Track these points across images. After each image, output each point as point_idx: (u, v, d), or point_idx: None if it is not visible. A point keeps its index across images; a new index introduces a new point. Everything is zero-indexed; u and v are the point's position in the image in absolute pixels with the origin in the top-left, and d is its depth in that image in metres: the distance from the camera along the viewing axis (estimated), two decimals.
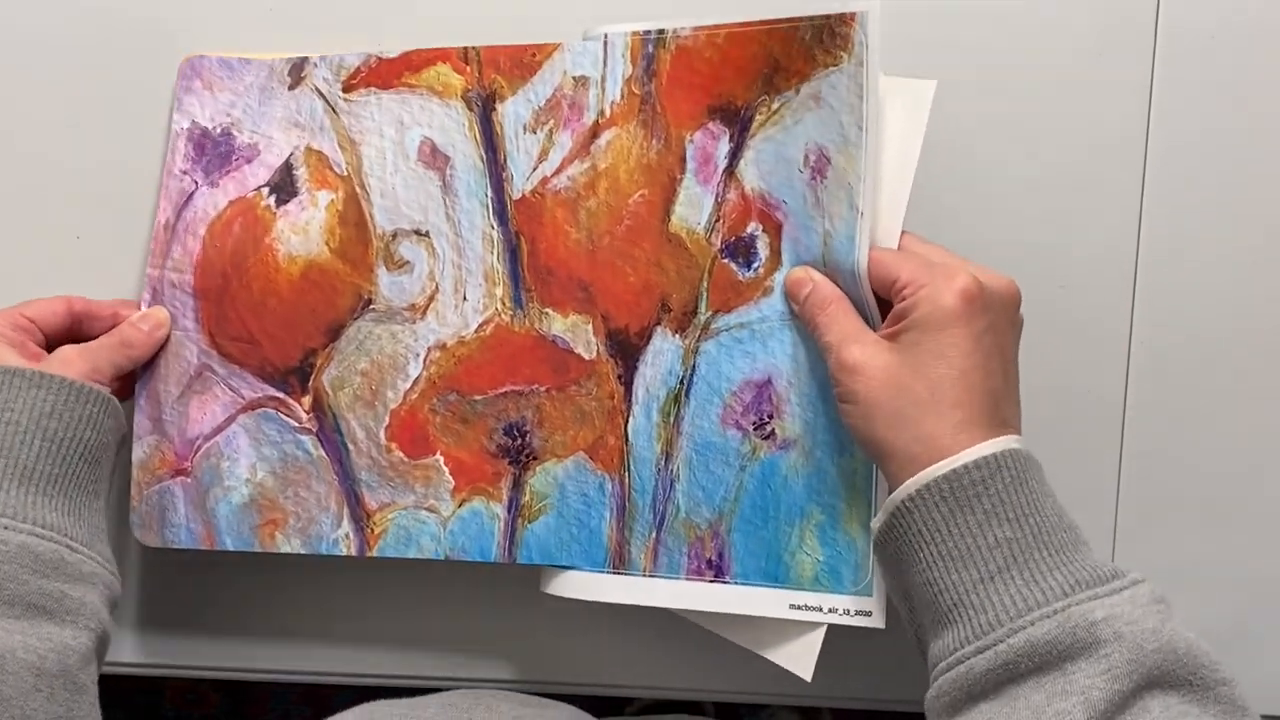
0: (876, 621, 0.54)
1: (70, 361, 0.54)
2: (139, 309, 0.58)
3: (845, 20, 0.51)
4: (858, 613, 0.54)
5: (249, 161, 0.59)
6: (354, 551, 0.58)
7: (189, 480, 0.58)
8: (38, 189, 0.62)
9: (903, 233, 0.52)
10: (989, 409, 0.48)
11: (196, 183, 0.59)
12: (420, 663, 0.63)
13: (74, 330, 0.57)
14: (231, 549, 0.58)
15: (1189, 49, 0.59)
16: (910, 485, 0.47)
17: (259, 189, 0.58)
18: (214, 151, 0.59)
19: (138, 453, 0.58)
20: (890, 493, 0.48)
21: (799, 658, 0.55)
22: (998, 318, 0.49)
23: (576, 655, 0.62)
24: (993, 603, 0.45)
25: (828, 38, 0.52)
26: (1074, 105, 0.59)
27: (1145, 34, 0.59)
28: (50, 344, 0.56)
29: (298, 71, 0.59)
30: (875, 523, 0.49)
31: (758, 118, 0.55)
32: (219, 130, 0.59)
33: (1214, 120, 0.59)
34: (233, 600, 0.63)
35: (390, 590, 0.63)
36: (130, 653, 0.63)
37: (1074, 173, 0.60)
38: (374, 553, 0.58)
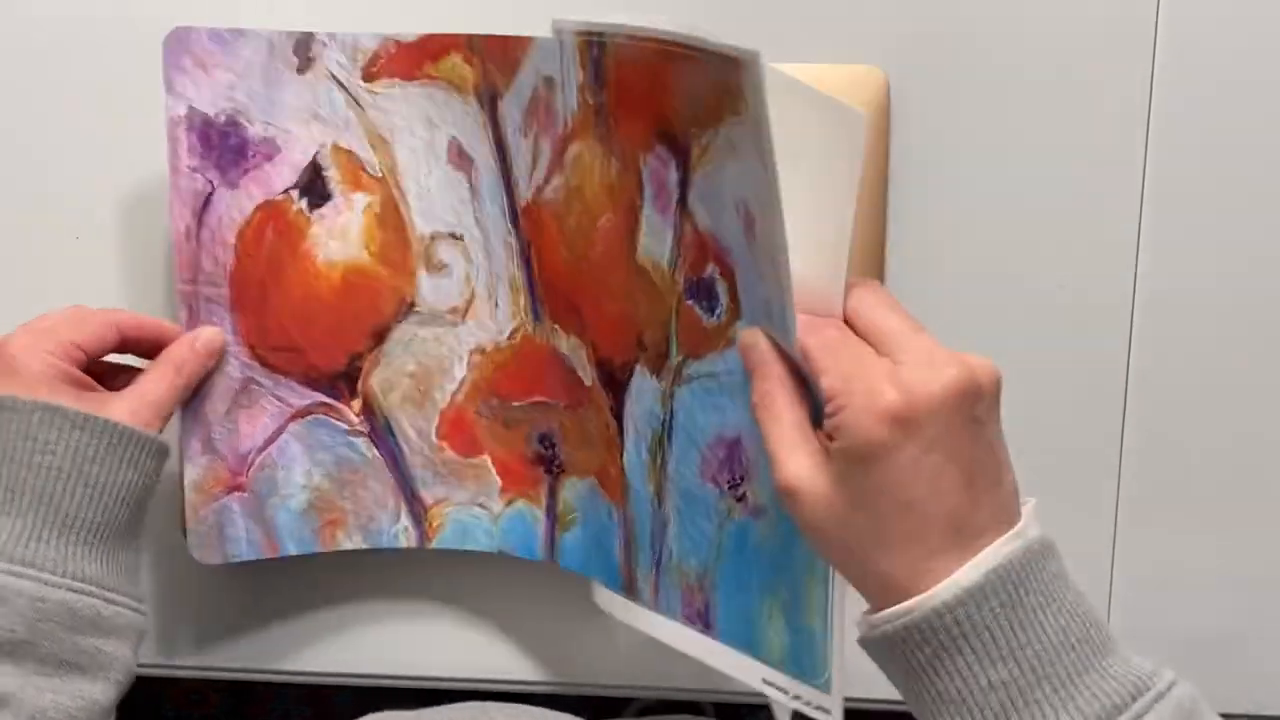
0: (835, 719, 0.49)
1: (122, 403, 0.53)
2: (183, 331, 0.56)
3: (733, 63, 0.40)
4: (818, 708, 0.50)
5: (269, 159, 0.56)
6: (414, 543, 0.59)
7: (245, 495, 0.58)
8: (38, 189, 0.59)
9: (853, 286, 0.44)
10: (950, 534, 0.41)
11: (211, 182, 0.56)
12: (419, 663, 0.64)
13: (121, 349, 0.55)
14: (295, 553, 0.59)
15: (1189, 49, 0.60)
16: (883, 624, 0.41)
17: (287, 191, 0.56)
18: (223, 144, 0.55)
19: (190, 475, 0.57)
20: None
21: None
22: (943, 428, 0.40)
23: (576, 655, 0.64)
24: None
25: (728, 77, 0.41)
26: (1074, 105, 0.60)
27: (1145, 34, 0.60)
28: (94, 365, 0.54)
29: (304, 50, 0.55)
30: (856, 638, 0.44)
31: (694, 150, 0.46)
32: (223, 118, 0.55)
33: (1214, 120, 0.60)
34: (233, 601, 0.63)
35: (390, 592, 0.63)
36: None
37: (1074, 173, 0.60)
38: (432, 545, 0.59)
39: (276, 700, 1.10)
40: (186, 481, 0.57)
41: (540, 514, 0.59)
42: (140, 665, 0.61)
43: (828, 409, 0.42)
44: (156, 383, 0.54)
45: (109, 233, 0.59)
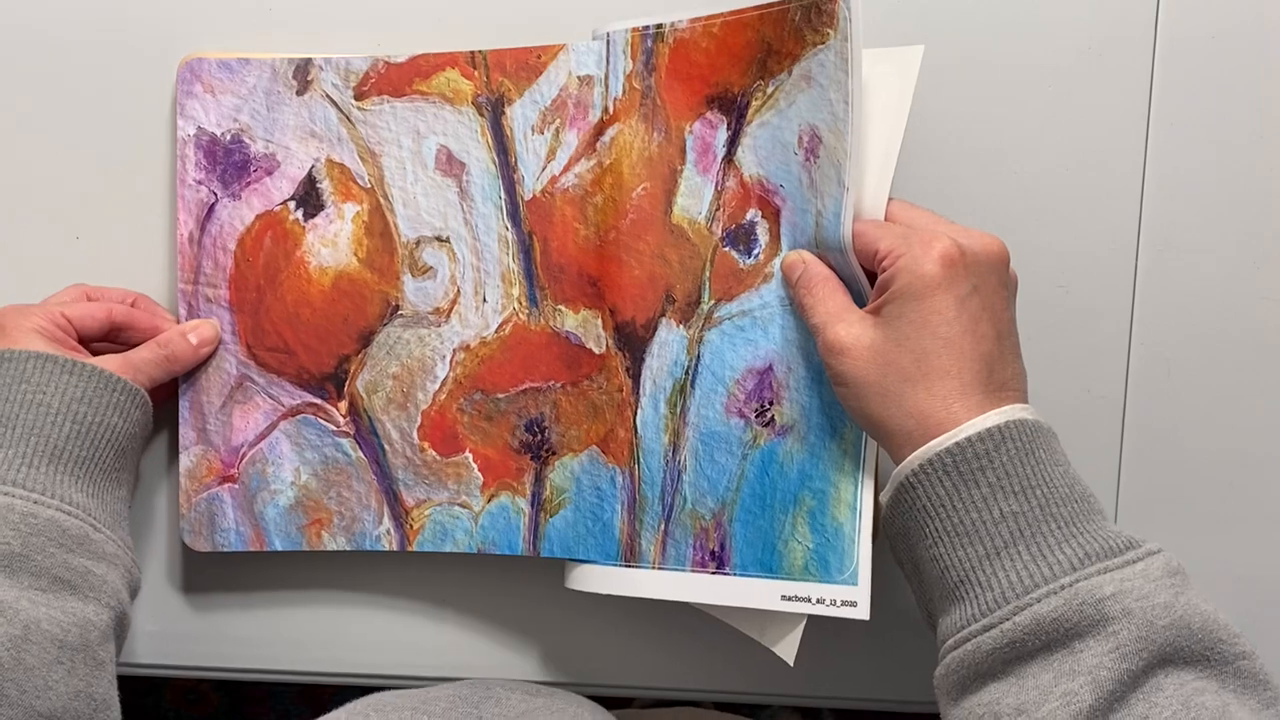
0: (861, 613, 0.53)
1: (108, 360, 0.57)
2: (177, 323, 0.60)
3: None
4: (844, 603, 0.53)
5: (269, 174, 0.61)
6: (395, 547, 0.61)
7: (236, 486, 0.61)
8: (38, 189, 0.63)
9: (891, 200, 0.52)
10: (982, 375, 0.46)
11: (215, 194, 0.61)
12: (419, 662, 0.64)
13: (110, 338, 0.60)
14: (280, 549, 0.61)
15: (1189, 49, 0.59)
16: (913, 460, 0.46)
17: (285, 203, 0.61)
18: (228, 160, 0.61)
19: (185, 462, 0.61)
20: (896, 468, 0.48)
21: (786, 644, 0.55)
22: (983, 279, 0.48)
23: (575, 655, 0.63)
24: (999, 579, 0.44)
25: (815, 16, 0.53)
26: (1074, 105, 0.59)
27: (1145, 34, 0.59)
28: (86, 348, 0.58)
29: (303, 75, 0.60)
30: (884, 496, 0.48)
31: (754, 103, 0.56)
32: (229, 137, 0.61)
33: (1214, 120, 0.59)
34: (232, 600, 0.65)
35: (388, 591, 0.64)
36: (130, 653, 0.64)
37: (1074, 173, 0.60)
38: (414, 548, 0.61)
39: (275, 700, 1.11)
40: (181, 469, 0.61)
41: (524, 504, 0.60)
42: (140, 665, 0.65)
43: (884, 263, 0.49)
44: (141, 351, 0.58)
45: (109, 233, 0.63)
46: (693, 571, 0.57)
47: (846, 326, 0.49)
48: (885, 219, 0.51)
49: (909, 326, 0.47)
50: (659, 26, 0.57)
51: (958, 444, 0.45)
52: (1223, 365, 0.60)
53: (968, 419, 0.46)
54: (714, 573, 0.57)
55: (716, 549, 0.57)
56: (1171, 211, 0.60)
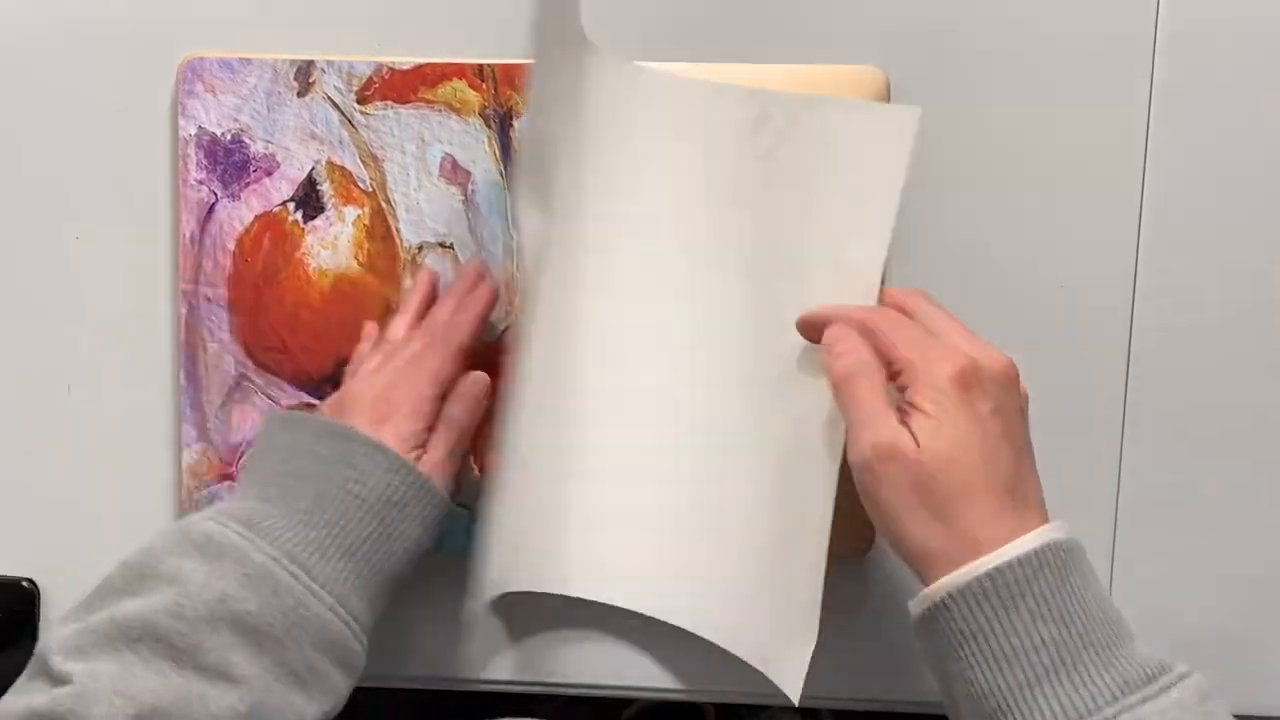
0: None
1: (428, 459, 0.55)
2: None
3: None
4: None
5: (269, 174, 0.61)
6: None
7: (235, 484, 0.61)
8: (38, 189, 0.63)
9: (899, 291, 0.52)
10: (1013, 494, 0.47)
11: (215, 194, 0.61)
12: (417, 662, 0.64)
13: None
14: None
15: (1189, 49, 0.60)
16: (951, 582, 0.45)
17: (284, 204, 0.61)
18: (228, 160, 0.61)
19: (186, 459, 0.61)
20: (924, 584, 0.47)
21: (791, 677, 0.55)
22: (1001, 399, 0.48)
23: (575, 655, 0.63)
24: (1041, 709, 0.44)
25: None
26: (1074, 105, 0.60)
27: (1145, 34, 0.60)
28: None
29: (304, 76, 0.60)
30: (912, 606, 0.48)
31: None
32: (229, 137, 0.61)
33: (1214, 120, 0.60)
34: None
35: None
36: None
37: (1074, 173, 0.60)
38: None
39: None
40: (183, 466, 0.62)
41: None
42: None
43: (903, 377, 0.49)
44: (451, 446, 0.56)
45: (109, 233, 0.62)
46: None
47: (891, 428, 0.47)
48: (903, 309, 0.51)
49: (941, 448, 0.47)
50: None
51: (997, 569, 0.45)
52: (1223, 365, 0.61)
53: (1005, 541, 0.46)
54: None
55: None
56: (1171, 212, 0.60)
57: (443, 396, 0.56)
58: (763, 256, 0.56)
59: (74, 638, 0.46)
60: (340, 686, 0.51)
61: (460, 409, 0.56)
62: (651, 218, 0.57)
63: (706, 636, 0.58)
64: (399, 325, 0.59)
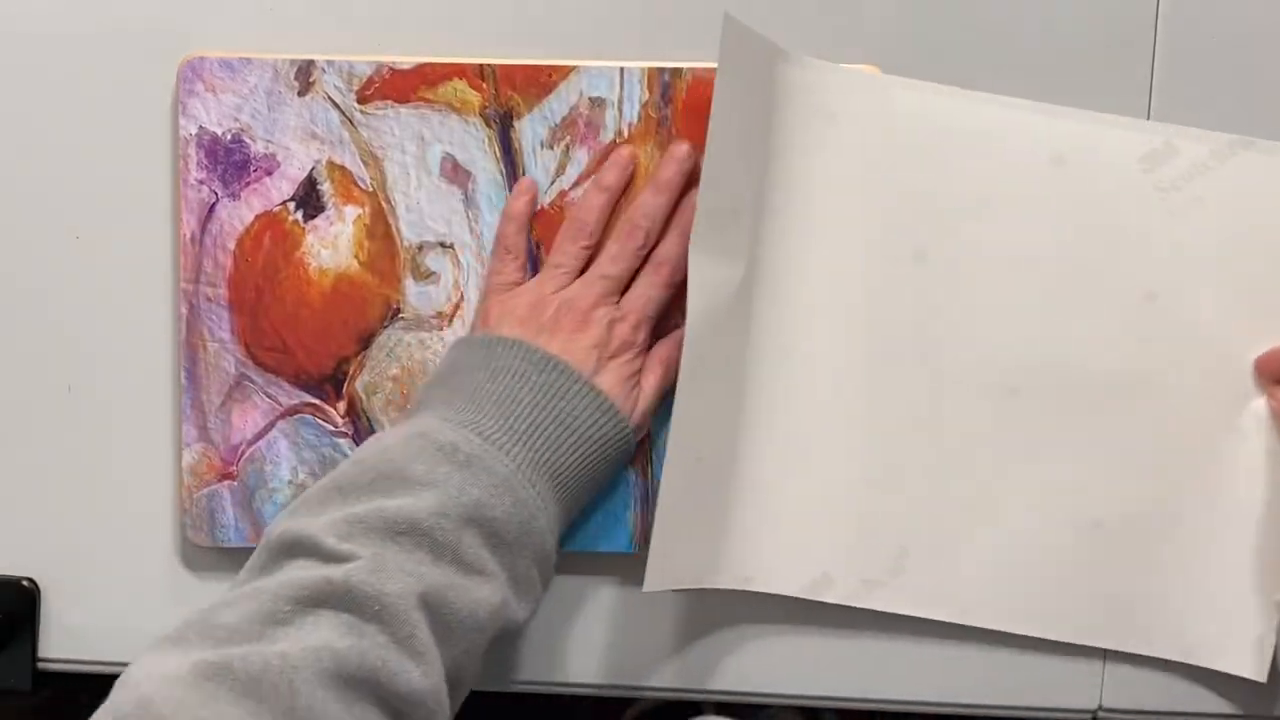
0: None
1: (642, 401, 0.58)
2: None
3: None
4: None
5: (269, 174, 0.61)
6: None
7: (235, 484, 0.61)
8: (38, 189, 0.62)
9: None
10: None
11: (216, 193, 0.61)
12: None
13: None
14: None
15: (1189, 49, 0.60)
16: None
17: (284, 203, 0.61)
18: (228, 160, 0.61)
19: (186, 459, 0.61)
20: None
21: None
22: None
23: (574, 655, 0.64)
24: None
25: None
26: (1074, 105, 0.59)
27: (1145, 34, 0.60)
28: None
29: (305, 76, 0.60)
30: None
31: None
32: (229, 136, 0.61)
33: (1214, 120, 0.60)
34: None
35: None
36: (130, 647, 0.63)
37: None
38: None
39: None
40: (184, 465, 0.62)
41: None
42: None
43: None
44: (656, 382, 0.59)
45: (109, 233, 0.62)
46: None
47: None
48: None
49: None
50: (677, 70, 0.59)
51: None
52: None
53: None
54: None
55: None
56: None
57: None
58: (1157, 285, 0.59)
59: (343, 525, 0.49)
60: (538, 599, 0.55)
61: (668, 349, 0.59)
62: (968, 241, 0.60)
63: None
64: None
